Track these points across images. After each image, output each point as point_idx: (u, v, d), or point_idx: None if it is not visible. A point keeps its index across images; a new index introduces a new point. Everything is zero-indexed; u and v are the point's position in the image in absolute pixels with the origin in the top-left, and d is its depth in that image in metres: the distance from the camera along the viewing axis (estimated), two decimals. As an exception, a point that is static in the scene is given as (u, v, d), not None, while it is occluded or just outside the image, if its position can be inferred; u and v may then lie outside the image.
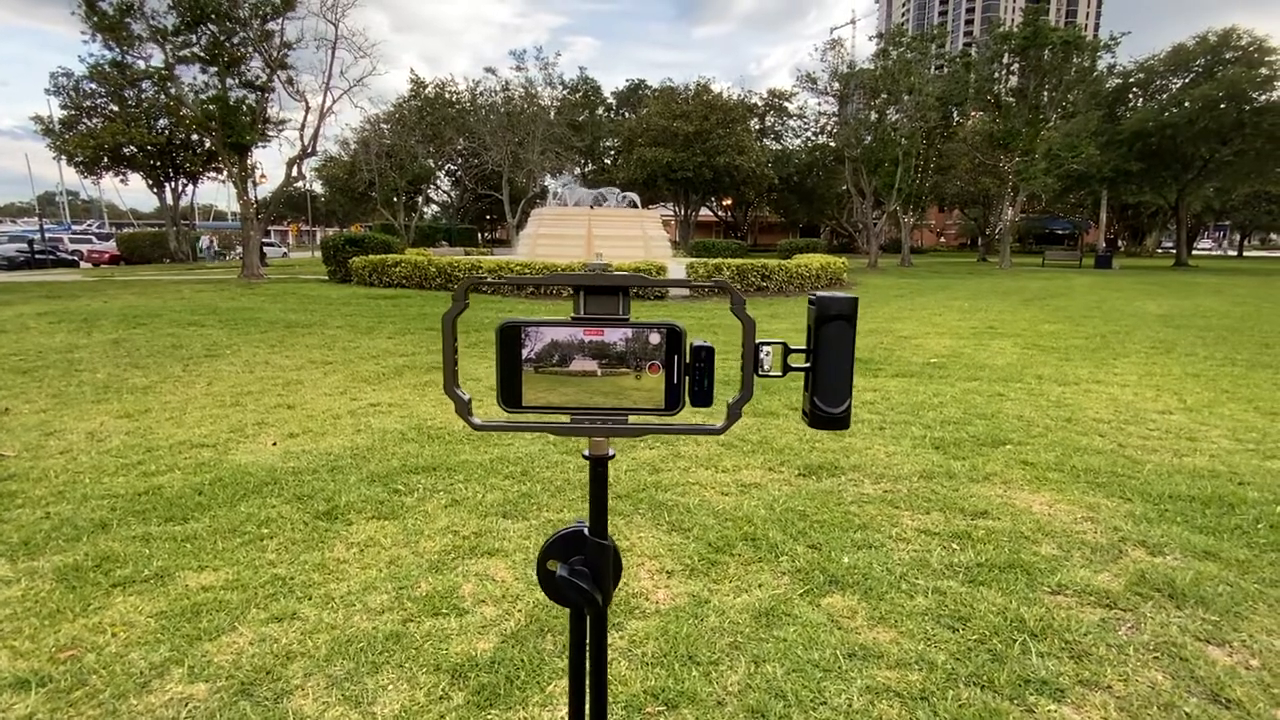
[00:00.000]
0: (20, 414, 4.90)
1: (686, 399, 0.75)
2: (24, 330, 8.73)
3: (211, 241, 35.12)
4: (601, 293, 0.73)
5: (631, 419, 0.74)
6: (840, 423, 0.76)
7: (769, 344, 0.74)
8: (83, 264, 28.92)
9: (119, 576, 2.60)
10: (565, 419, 0.74)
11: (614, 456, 0.78)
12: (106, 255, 30.57)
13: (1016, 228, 42.42)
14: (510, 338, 0.72)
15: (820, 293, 0.76)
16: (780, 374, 0.74)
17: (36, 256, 26.96)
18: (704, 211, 52.02)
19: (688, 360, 0.74)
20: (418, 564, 2.73)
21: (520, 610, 2.40)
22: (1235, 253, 60.23)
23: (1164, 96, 32.43)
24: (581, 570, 0.74)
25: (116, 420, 4.76)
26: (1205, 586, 2.55)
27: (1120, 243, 55.70)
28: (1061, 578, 2.64)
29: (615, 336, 0.72)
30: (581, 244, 18.59)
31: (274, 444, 4.27)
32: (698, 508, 3.29)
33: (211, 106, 18.42)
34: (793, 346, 0.77)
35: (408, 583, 2.58)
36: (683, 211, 46.84)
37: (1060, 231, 59.99)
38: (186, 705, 1.91)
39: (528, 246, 19.71)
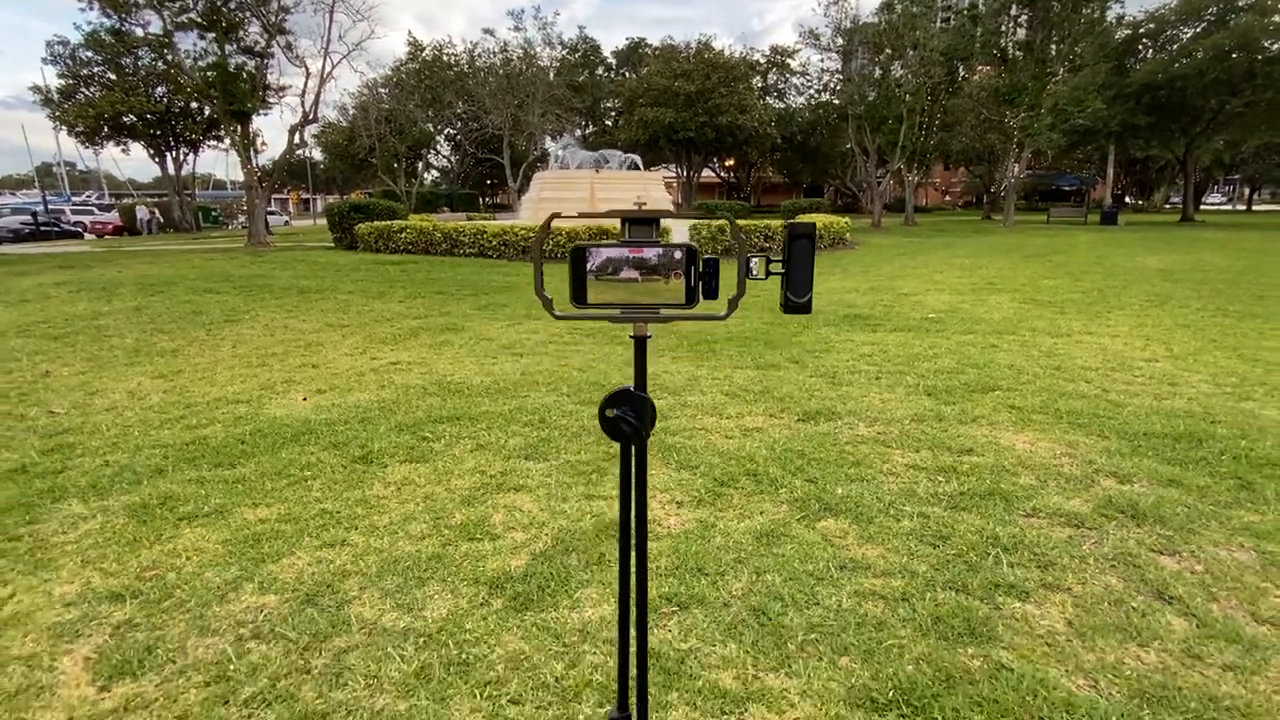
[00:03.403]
0: (61, 376, 5.17)
1: (700, 297, 1.03)
2: (46, 299, 8.98)
3: (153, 213, 30.91)
4: (640, 223, 1.01)
5: (662, 310, 1.04)
6: (805, 309, 1.05)
7: (757, 256, 1.00)
8: (87, 235, 29.08)
9: (183, 512, 2.88)
10: (617, 311, 1.04)
11: (650, 337, 1.09)
12: (110, 226, 30.70)
13: (1022, 185, 42.03)
14: (579, 256, 1.01)
15: (791, 220, 1.02)
16: (764, 277, 1.01)
17: (41, 228, 27.13)
18: (706, 173, 51.54)
19: (700, 270, 1.02)
20: (451, 499, 3.01)
21: (547, 534, 2.68)
22: (1244, 207, 59.62)
23: (1174, 47, 31.83)
24: (629, 414, 1.05)
25: (152, 380, 5.04)
26: (1165, 508, 2.81)
27: (1128, 198, 55.15)
28: (1036, 503, 2.90)
29: (650, 254, 1.02)
30: (584, 207, 18.65)
31: (304, 399, 4.53)
32: (704, 449, 3.55)
33: (211, 73, 18.38)
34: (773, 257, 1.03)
35: (443, 514, 2.87)
36: (685, 173, 46.44)
37: (1067, 188, 59.27)
38: (262, 611, 2.20)
39: (530, 210, 19.78)
